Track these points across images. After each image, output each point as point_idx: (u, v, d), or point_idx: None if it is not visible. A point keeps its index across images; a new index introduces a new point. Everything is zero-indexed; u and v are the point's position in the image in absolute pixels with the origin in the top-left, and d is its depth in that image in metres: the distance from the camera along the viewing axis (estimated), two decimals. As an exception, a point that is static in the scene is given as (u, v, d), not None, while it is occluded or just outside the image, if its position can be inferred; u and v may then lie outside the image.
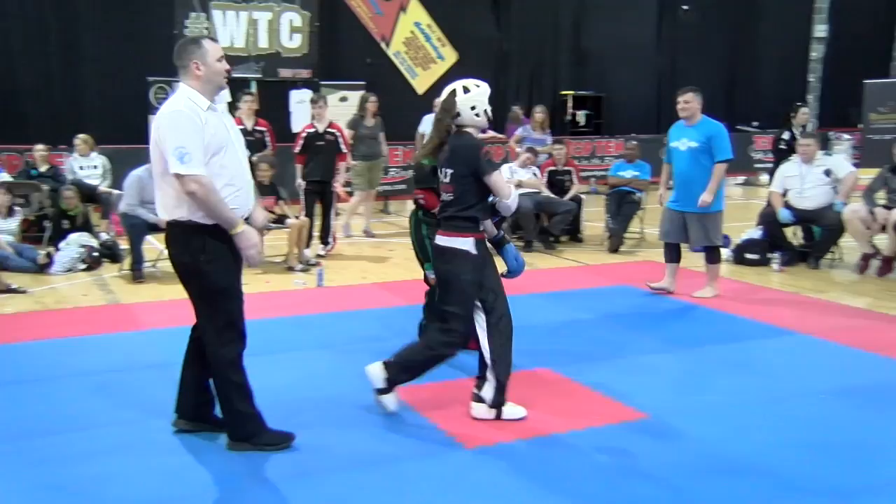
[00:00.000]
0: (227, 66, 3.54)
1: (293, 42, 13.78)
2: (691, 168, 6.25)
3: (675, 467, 3.45)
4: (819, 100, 18.58)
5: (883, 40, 19.11)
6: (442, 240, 3.94)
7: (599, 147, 15.20)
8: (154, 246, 7.82)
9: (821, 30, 18.29)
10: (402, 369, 3.99)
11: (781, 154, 9.31)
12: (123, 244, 7.71)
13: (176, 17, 12.36)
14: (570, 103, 15.97)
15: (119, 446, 3.68)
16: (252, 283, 7.18)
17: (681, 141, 6.33)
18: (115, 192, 8.67)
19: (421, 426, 3.96)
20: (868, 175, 8.56)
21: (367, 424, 3.97)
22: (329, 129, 8.44)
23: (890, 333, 5.57)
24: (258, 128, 8.37)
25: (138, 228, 7.25)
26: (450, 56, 15.16)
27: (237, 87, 9.82)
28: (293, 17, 13.68)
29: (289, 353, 5.13)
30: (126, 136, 11.05)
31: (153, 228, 7.09)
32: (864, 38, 18.76)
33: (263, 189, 7.80)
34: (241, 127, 8.09)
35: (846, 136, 16.56)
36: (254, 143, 8.16)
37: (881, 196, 7.62)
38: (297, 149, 8.41)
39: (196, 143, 3.32)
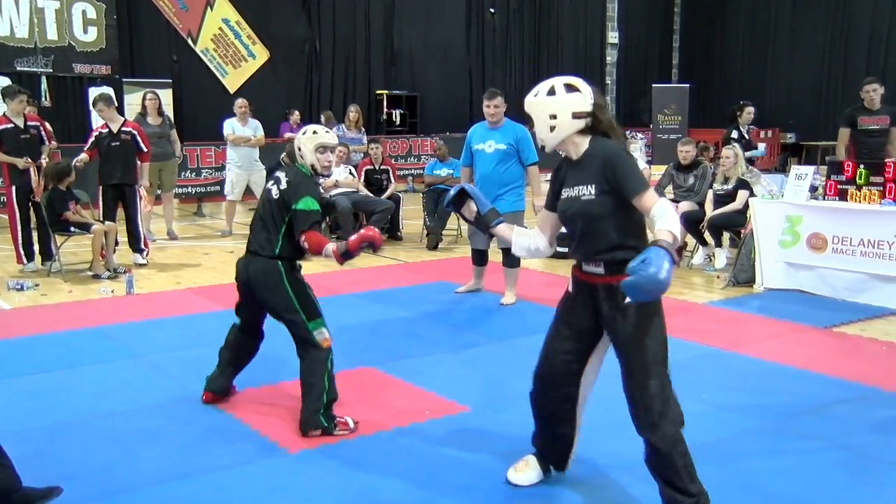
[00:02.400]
0: None
1: (88, 35, 12.90)
2: (497, 170, 6.26)
3: (497, 457, 3.56)
4: (615, 101, 19.96)
5: (665, 47, 20.85)
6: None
7: (415, 146, 15.48)
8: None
9: (613, 36, 19.67)
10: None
11: None
12: None
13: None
14: (384, 102, 16.12)
15: None
16: (51, 294, 6.70)
17: (486, 143, 6.34)
18: None
19: (241, 433, 3.84)
20: (659, 171, 9.31)
21: (182, 434, 3.81)
22: (124, 129, 8.00)
23: (680, 317, 6.08)
24: (31, 123, 7.74)
25: None
26: (261, 54, 14.86)
27: (21, 83, 9.04)
28: (86, 8, 12.78)
29: (93, 366, 4.82)
30: None
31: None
32: (651, 45, 20.41)
33: (64, 194, 7.37)
34: (11, 126, 7.50)
35: (640, 136, 17.90)
36: (29, 141, 7.60)
37: (669, 191, 8.30)
38: (87, 146, 7.92)
39: None
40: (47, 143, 7.96)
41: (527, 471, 3.30)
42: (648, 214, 2.78)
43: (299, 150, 3.96)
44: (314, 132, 3.99)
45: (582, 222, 2.89)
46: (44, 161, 7.68)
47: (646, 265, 2.50)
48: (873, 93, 7.85)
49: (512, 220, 4.93)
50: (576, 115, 2.87)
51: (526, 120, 3.17)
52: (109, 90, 12.06)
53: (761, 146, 10.08)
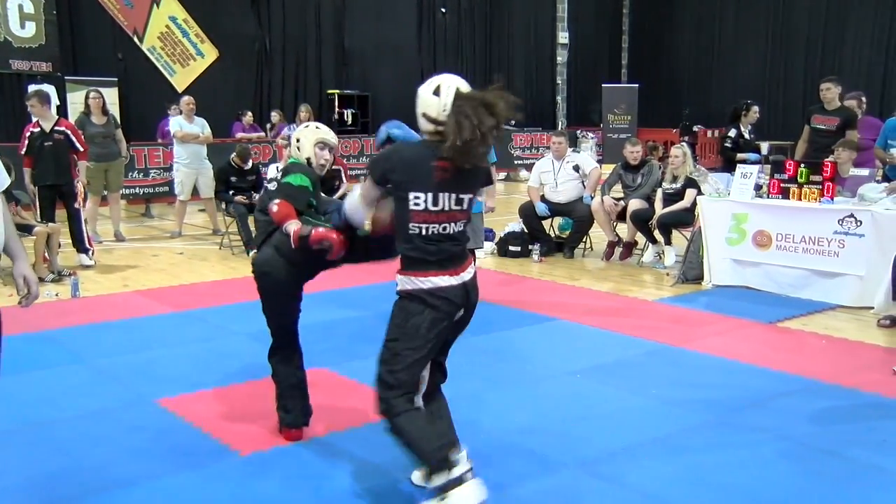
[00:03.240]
0: None
1: (26, 31, 12.53)
2: None
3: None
4: (566, 101, 20.15)
5: (615, 48, 21.12)
6: None
7: (367, 146, 15.40)
8: None
9: (563, 36, 19.85)
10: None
11: (726, 153, 8.82)
12: None
13: None
14: (336, 102, 16.03)
15: None
16: (-10, 299, 6.50)
17: None
18: None
19: (191, 436, 3.78)
20: (610, 170, 9.41)
21: (128, 440, 3.74)
22: (57, 128, 7.79)
23: (630, 314, 6.17)
24: None
25: None
26: (210, 53, 14.65)
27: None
28: (23, 2, 12.42)
29: (38, 372, 4.69)
30: None
31: None
32: (600, 46, 20.65)
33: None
34: None
35: (590, 135, 18.11)
36: None
37: (617, 190, 8.40)
38: (23, 150, 7.71)
39: None
40: None
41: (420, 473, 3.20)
42: None
43: (297, 141, 3.86)
44: (317, 127, 3.92)
45: None
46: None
47: None
48: (826, 91, 7.87)
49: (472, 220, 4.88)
50: (426, 118, 2.87)
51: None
52: (51, 88, 11.75)
53: (764, 147, 9.46)
